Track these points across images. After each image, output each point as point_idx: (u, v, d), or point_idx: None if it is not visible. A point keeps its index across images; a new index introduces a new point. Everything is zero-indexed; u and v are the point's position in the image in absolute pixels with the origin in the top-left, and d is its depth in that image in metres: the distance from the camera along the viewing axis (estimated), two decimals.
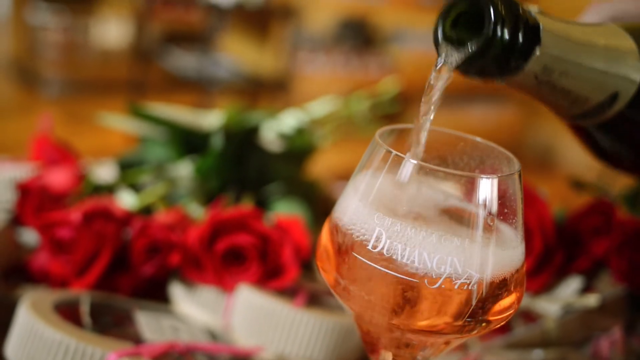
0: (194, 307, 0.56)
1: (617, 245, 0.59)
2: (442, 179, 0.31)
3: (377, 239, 0.31)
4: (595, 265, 0.62)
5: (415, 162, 0.31)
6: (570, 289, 0.61)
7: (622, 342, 0.60)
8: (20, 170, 0.68)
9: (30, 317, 0.45)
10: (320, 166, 0.97)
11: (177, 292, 0.57)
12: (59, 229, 0.55)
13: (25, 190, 0.63)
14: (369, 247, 0.32)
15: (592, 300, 0.59)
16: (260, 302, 0.52)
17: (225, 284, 0.54)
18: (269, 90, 3.31)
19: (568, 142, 4.19)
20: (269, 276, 0.55)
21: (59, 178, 0.66)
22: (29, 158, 0.69)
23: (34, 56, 3.99)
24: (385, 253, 0.31)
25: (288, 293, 0.56)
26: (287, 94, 3.22)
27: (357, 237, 0.32)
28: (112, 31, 4.17)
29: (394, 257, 0.31)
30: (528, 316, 0.61)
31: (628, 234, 0.59)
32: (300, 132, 0.80)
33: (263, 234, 0.55)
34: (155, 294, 0.59)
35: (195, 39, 3.76)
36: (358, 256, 0.32)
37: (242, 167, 0.70)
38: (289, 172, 0.75)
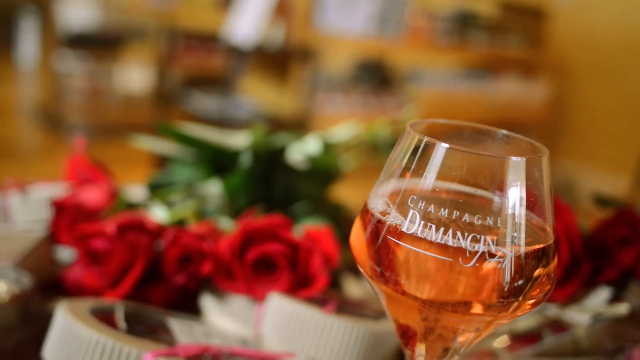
0: (225, 318, 0.56)
1: None
2: (474, 162, 0.32)
3: (411, 222, 0.32)
4: (624, 275, 0.62)
5: (447, 146, 0.32)
6: (599, 299, 0.61)
7: None
8: (55, 190, 0.71)
9: (68, 319, 0.46)
10: (344, 192, 0.98)
11: (208, 303, 0.58)
12: (94, 240, 0.57)
13: (60, 208, 0.65)
14: (404, 229, 0.32)
15: (622, 309, 0.58)
16: (291, 308, 0.53)
17: (256, 292, 0.55)
18: (289, 130, 3.35)
19: (588, 178, 4.17)
20: (298, 285, 0.56)
21: (92, 196, 0.67)
22: (64, 178, 0.71)
23: (60, 101, 4.09)
24: (419, 235, 0.32)
25: (317, 303, 0.56)
26: (306, 133, 3.25)
27: (392, 221, 0.33)
28: (135, 77, 4.27)
29: (428, 237, 0.32)
30: (557, 326, 0.60)
31: None
32: (324, 153, 0.81)
33: (293, 243, 0.56)
34: (186, 306, 0.60)
35: (216, 81, 3.84)
36: (393, 239, 0.33)
37: (269, 185, 0.72)
38: (314, 192, 0.76)
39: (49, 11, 4.14)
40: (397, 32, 3.46)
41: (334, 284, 0.66)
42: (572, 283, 0.61)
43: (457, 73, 4.16)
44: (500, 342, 0.58)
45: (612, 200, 0.73)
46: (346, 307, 0.57)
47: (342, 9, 3.26)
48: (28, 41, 5.51)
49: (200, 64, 4.30)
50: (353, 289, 0.67)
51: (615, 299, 0.61)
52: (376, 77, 3.89)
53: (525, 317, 0.61)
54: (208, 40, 4.16)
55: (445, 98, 3.85)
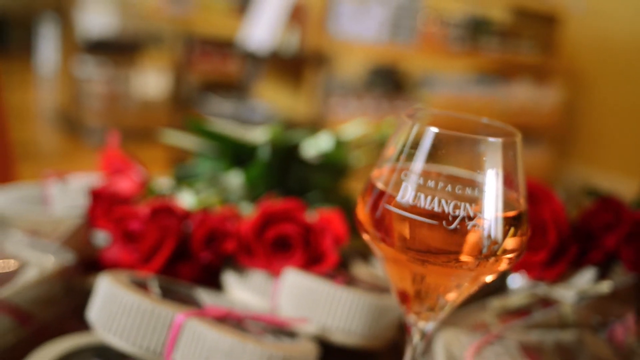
0: (245, 291, 0.63)
1: (625, 236, 0.65)
2: (458, 143, 0.39)
3: (404, 193, 0.39)
4: (608, 258, 0.68)
5: (436, 130, 0.39)
6: (584, 278, 0.67)
7: (635, 327, 0.65)
8: (91, 179, 0.78)
9: (111, 284, 0.53)
10: (355, 186, 1.04)
11: (230, 278, 0.64)
12: (130, 222, 0.64)
13: (96, 196, 0.72)
14: (398, 199, 0.39)
15: (604, 287, 0.65)
16: (305, 282, 0.59)
17: (273, 268, 0.62)
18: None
19: (600, 182, 4.20)
20: (311, 262, 0.62)
21: (124, 185, 0.75)
22: (99, 169, 0.78)
23: (78, 106, 4.19)
24: (411, 203, 0.39)
25: (328, 277, 0.63)
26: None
27: (390, 192, 0.40)
28: (152, 81, 4.36)
29: (418, 205, 0.38)
30: (546, 304, 0.66)
31: (636, 225, 0.65)
32: (336, 149, 0.88)
33: (306, 224, 0.62)
34: (210, 282, 0.66)
35: (232, 86, 3.93)
36: (389, 207, 0.39)
37: (285, 176, 0.78)
38: (326, 183, 0.83)
39: (68, 18, 4.25)
40: (409, 38, 3.53)
41: (344, 267, 0.73)
42: (559, 264, 0.67)
43: (469, 78, 4.21)
44: (493, 315, 0.64)
45: (601, 192, 0.79)
46: (354, 283, 0.64)
47: (355, 15, 3.33)
48: (48, 47, 5.63)
49: (216, 69, 4.39)
50: (361, 271, 0.74)
51: (600, 278, 0.67)
52: (389, 82, 3.95)
53: (516, 295, 0.67)
54: (224, 46, 4.25)
55: (457, 103, 3.91)
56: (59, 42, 4.76)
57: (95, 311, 0.54)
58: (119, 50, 4.40)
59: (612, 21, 4.41)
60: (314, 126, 3.31)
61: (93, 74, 4.15)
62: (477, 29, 4.03)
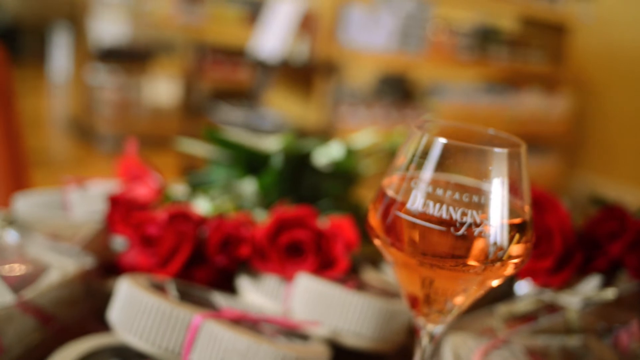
0: (259, 295, 0.65)
1: (630, 244, 0.67)
2: (465, 153, 0.41)
3: (414, 200, 0.41)
4: (613, 265, 0.70)
5: (444, 141, 0.41)
6: (590, 285, 0.69)
7: (639, 333, 0.66)
8: (110, 186, 0.80)
9: (131, 287, 0.55)
10: (364, 194, 1.07)
11: (244, 282, 0.66)
12: (148, 227, 0.66)
13: (114, 202, 0.74)
14: (408, 205, 0.41)
15: (609, 294, 0.66)
16: (317, 286, 0.61)
17: (286, 272, 0.64)
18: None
19: (609, 191, 4.20)
20: (323, 267, 0.64)
21: (141, 191, 0.77)
22: (117, 175, 0.80)
23: (91, 113, 4.23)
24: (420, 209, 0.41)
25: (339, 282, 0.65)
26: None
27: (400, 199, 0.42)
28: (163, 89, 4.40)
29: (427, 212, 0.40)
30: (552, 309, 0.68)
31: None
32: (346, 158, 0.90)
33: (318, 230, 0.64)
34: (224, 286, 0.69)
35: (242, 94, 3.96)
36: (400, 213, 0.41)
37: (297, 184, 0.81)
38: (336, 191, 0.85)
39: (81, 26, 4.30)
40: (419, 47, 3.55)
41: (354, 272, 0.74)
42: (565, 271, 0.68)
43: (478, 87, 4.23)
44: (500, 320, 0.66)
45: (606, 201, 0.80)
46: (364, 288, 0.66)
47: (365, 24, 3.36)
48: (61, 55, 5.70)
49: (227, 78, 4.43)
50: (371, 276, 0.75)
51: (605, 285, 0.69)
52: (398, 91, 3.98)
53: (523, 301, 0.69)
54: (235, 55, 4.29)
55: (466, 112, 3.92)
56: (72, 50, 4.82)
57: (115, 312, 0.56)
58: (131, 58, 4.45)
59: (621, 30, 4.42)
60: (324, 134, 3.33)
61: (105, 81, 4.19)
62: (486, 38, 4.05)
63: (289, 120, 3.42)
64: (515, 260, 0.42)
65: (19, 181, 1.64)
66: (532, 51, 4.38)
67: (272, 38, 3.21)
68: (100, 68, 4.23)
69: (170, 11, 4.13)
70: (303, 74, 3.42)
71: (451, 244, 0.40)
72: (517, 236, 0.41)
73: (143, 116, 4.34)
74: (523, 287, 0.72)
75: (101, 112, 4.20)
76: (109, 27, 4.49)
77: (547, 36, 4.48)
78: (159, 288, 0.60)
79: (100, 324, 0.63)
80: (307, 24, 3.24)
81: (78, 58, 4.44)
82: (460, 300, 0.45)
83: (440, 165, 0.41)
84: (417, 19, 3.50)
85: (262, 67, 3.39)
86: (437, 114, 3.74)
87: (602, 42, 4.51)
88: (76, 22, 4.43)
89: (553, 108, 4.46)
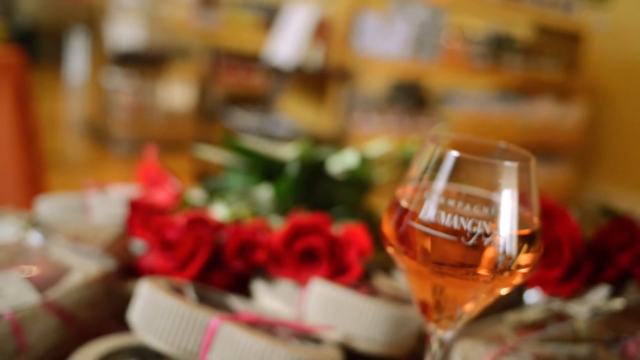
0: (273, 299, 0.67)
1: (638, 255, 0.68)
2: (477, 166, 0.42)
3: (427, 210, 0.43)
4: (622, 276, 0.71)
5: (456, 154, 0.43)
6: (598, 295, 0.70)
7: None
8: (130, 191, 0.82)
9: (152, 290, 0.57)
10: (378, 202, 1.08)
11: (259, 287, 0.68)
12: (167, 231, 0.68)
13: (134, 206, 0.76)
14: (421, 215, 0.43)
15: (617, 304, 0.67)
16: (330, 292, 0.63)
17: (301, 277, 0.66)
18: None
19: (623, 200, 4.18)
20: (336, 273, 0.66)
21: (160, 196, 0.79)
22: (136, 180, 0.83)
23: (106, 116, 4.28)
24: (432, 219, 0.42)
25: (352, 288, 0.66)
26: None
27: (413, 209, 0.44)
28: (178, 94, 4.44)
29: (439, 222, 0.42)
30: (560, 317, 0.69)
31: None
32: (360, 166, 0.92)
33: (332, 237, 0.66)
34: (241, 290, 0.70)
35: (256, 99, 3.99)
36: (413, 223, 0.43)
37: (312, 191, 0.82)
38: (350, 198, 0.87)
39: (98, 30, 4.35)
40: (432, 55, 3.56)
41: (367, 278, 0.76)
42: (574, 281, 0.70)
43: (491, 95, 4.23)
44: (509, 328, 0.67)
45: (616, 212, 0.82)
46: (376, 294, 0.68)
47: (379, 32, 3.38)
48: (78, 59, 5.77)
49: (241, 83, 4.47)
50: (383, 283, 0.77)
51: (613, 295, 0.70)
52: (412, 98, 3.99)
53: (532, 310, 0.70)
54: (249, 60, 4.32)
55: (479, 120, 3.93)
56: (88, 53, 4.87)
57: (136, 313, 0.58)
58: (146, 62, 4.50)
59: (636, 39, 4.41)
60: (337, 140, 3.35)
61: (121, 85, 4.24)
62: (500, 46, 4.06)
63: (302, 126, 3.44)
64: (524, 270, 0.43)
65: (36, 182, 1.67)
66: (546, 59, 4.38)
67: (287, 44, 3.24)
68: (116, 72, 4.28)
69: (185, 16, 4.17)
70: (317, 80, 3.45)
71: (462, 253, 0.42)
72: (525, 246, 0.43)
73: (157, 120, 4.38)
74: (532, 295, 0.73)
75: (116, 115, 4.24)
76: (125, 32, 4.53)
77: (561, 44, 4.48)
78: (178, 291, 0.62)
79: (120, 325, 0.65)
80: (321, 30, 3.26)
81: (94, 62, 4.50)
82: (470, 308, 0.46)
83: (452, 177, 0.43)
84: (431, 27, 3.51)
85: (277, 73, 3.42)
86: (450, 121, 3.75)
87: (617, 50, 4.50)
88: (93, 26, 4.48)
89: (566, 117, 4.46)
